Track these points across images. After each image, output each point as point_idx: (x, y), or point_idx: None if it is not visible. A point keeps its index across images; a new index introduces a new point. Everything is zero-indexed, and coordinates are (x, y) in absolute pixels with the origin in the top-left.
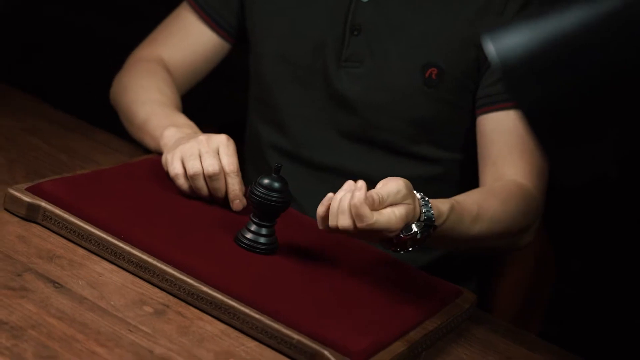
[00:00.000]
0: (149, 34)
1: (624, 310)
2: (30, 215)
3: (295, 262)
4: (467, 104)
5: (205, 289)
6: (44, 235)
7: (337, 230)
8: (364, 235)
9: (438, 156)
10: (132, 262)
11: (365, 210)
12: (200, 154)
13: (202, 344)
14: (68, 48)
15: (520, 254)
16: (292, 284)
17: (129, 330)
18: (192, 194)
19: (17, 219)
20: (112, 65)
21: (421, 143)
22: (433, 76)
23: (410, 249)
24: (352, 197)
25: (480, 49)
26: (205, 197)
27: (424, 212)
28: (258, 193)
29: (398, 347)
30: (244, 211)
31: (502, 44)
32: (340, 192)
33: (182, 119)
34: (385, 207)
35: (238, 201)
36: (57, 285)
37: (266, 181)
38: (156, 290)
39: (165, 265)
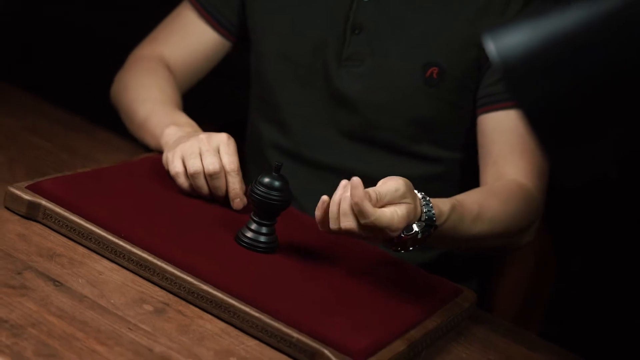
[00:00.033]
0: (150, 33)
1: (624, 310)
2: (31, 213)
3: (295, 261)
4: (468, 104)
5: (205, 287)
6: (44, 233)
7: (339, 232)
8: (367, 234)
9: (438, 155)
10: (132, 260)
11: (367, 206)
12: (201, 153)
13: (202, 342)
14: (68, 48)
15: (520, 253)
16: (292, 283)
17: (129, 328)
18: (193, 193)
19: (17, 217)
20: (112, 65)
21: (422, 142)
22: (434, 75)
23: (410, 249)
24: (352, 195)
25: (481, 48)
26: (205, 195)
27: (425, 212)
28: (258, 192)
29: (398, 345)
30: (245, 210)
31: (503, 43)
32: (337, 194)
33: (183, 118)
34: (384, 205)
35: (238, 200)
36: (57, 283)
37: (266, 180)
38: (156, 288)
39: (166, 264)
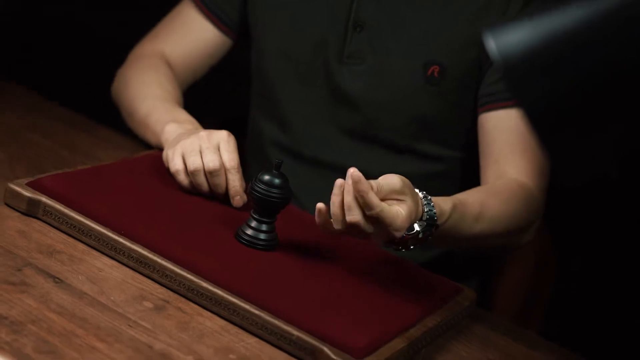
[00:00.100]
0: (151, 30)
1: (624, 309)
2: (31, 210)
3: (295, 259)
4: (469, 103)
5: (205, 284)
6: (44, 230)
7: (344, 229)
8: (371, 229)
9: (439, 154)
10: (132, 257)
11: (373, 197)
12: (201, 150)
13: (202, 339)
14: (68, 48)
15: (520, 252)
16: (292, 281)
17: (129, 325)
18: (193, 190)
19: (17, 213)
20: (112, 65)
21: (422, 141)
22: (435, 74)
23: (411, 248)
24: (356, 187)
25: (482, 47)
26: (205, 193)
27: (427, 212)
28: (258, 189)
29: (398, 343)
30: (245, 207)
31: (504, 42)
32: (335, 194)
33: (184, 115)
34: (383, 198)
35: (239, 197)
36: (57, 280)
37: (267, 177)
38: (156, 285)
39: (166, 261)
